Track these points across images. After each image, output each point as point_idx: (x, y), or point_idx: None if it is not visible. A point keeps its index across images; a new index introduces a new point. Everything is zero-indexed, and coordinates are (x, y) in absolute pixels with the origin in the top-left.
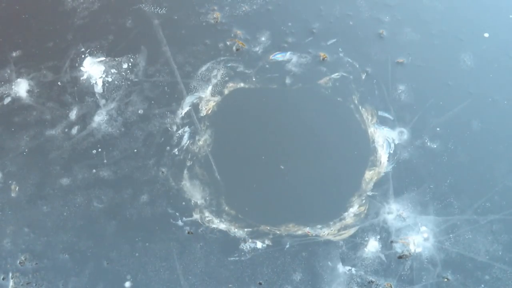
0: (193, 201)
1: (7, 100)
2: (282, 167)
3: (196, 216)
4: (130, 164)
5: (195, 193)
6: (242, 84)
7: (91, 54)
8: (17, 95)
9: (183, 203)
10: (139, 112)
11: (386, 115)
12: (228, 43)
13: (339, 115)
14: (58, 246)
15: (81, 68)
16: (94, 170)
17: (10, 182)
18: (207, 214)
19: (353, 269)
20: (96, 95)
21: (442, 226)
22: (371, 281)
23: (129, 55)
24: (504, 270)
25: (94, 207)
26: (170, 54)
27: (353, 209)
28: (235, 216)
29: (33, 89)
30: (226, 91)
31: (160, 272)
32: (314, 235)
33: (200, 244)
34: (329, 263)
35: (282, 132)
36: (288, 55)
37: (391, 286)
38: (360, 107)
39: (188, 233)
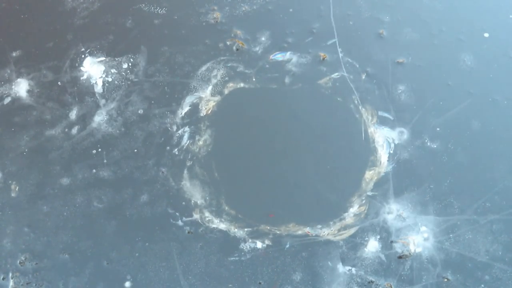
0: (193, 201)
1: (7, 100)
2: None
3: (196, 216)
4: (130, 164)
5: (195, 193)
6: (242, 84)
7: (91, 54)
8: (17, 95)
9: (183, 203)
10: (139, 112)
11: (386, 115)
12: (228, 43)
13: (339, 115)
14: (58, 246)
15: (81, 68)
16: (94, 170)
17: (10, 182)
18: (207, 214)
19: (353, 269)
20: (96, 95)
21: (442, 226)
22: (371, 281)
23: (129, 55)
24: (504, 270)
25: (94, 207)
26: (170, 53)
27: (353, 209)
28: (235, 216)
29: (33, 89)
30: (226, 91)
31: (160, 272)
32: (314, 235)
33: (200, 244)
34: (329, 263)
35: (282, 132)
36: (288, 55)
37: (391, 286)
38: (360, 107)
39: (188, 233)
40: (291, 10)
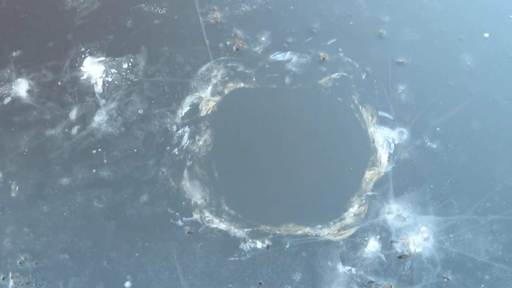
0: (193, 201)
1: (7, 100)
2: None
3: (196, 216)
4: (130, 164)
5: (195, 193)
6: (242, 84)
7: (91, 54)
8: (17, 95)
9: (183, 203)
10: (139, 112)
11: (386, 115)
12: (228, 43)
13: (339, 115)
14: (58, 246)
15: (81, 68)
16: (94, 170)
17: (10, 182)
18: (207, 214)
19: (353, 269)
20: (96, 95)
21: (442, 226)
22: (371, 281)
23: (129, 55)
24: (504, 270)
25: (94, 207)
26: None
27: (353, 209)
28: (235, 216)
29: (33, 89)
30: (226, 91)
31: (160, 272)
32: (314, 235)
33: (200, 244)
34: (329, 263)
35: (282, 132)
36: (288, 55)
37: (391, 286)
38: (360, 107)
39: (188, 233)
40: (291, 7)
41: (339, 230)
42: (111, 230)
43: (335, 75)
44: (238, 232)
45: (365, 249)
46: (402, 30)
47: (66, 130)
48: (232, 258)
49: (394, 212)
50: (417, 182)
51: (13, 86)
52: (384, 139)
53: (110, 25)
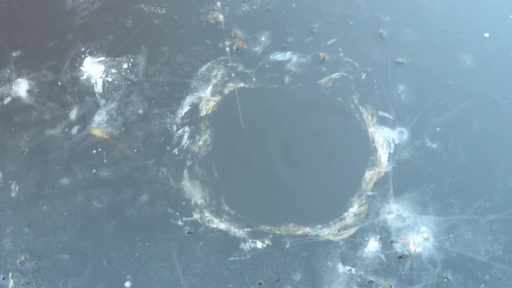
0: (193, 201)
1: (7, 100)
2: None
3: (196, 216)
4: (130, 164)
5: (195, 193)
6: (242, 84)
7: (91, 54)
8: (17, 95)
9: (183, 203)
10: (139, 112)
11: (386, 115)
12: (228, 43)
13: (339, 115)
14: (58, 246)
15: (81, 68)
16: (94, 170)
17: (10, 182)
18: (207, 214)
19: (353, 269)
20: (96, 95)
21: (442, 226)
22: (371, 281)
23: (129, 55)
24: (504, 270)
25: (94, 207)
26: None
27: (353, 209)
28: (235, 216)
29: (33, 89)
30: (226, 91)
31: (160, 272)
32: (314, 235)
33: (200, 244)
34: (329, 263)
35: (282, 132)
36: (288, 55)
37: (391, 286)
38: (360, 107)
39: (188, 233)
40: (294, 5)
41: (339, 230)
42: (111, 230)
43: (335, 75)
44: (238, 232)
45: (365, 249)
46: (402, 30)
47: (66, 130)
48: (232, 258)
49: (394, 212)
50: (417, 182)
51: (13, 86)
52: (384, 139)
53: (110, 25)
